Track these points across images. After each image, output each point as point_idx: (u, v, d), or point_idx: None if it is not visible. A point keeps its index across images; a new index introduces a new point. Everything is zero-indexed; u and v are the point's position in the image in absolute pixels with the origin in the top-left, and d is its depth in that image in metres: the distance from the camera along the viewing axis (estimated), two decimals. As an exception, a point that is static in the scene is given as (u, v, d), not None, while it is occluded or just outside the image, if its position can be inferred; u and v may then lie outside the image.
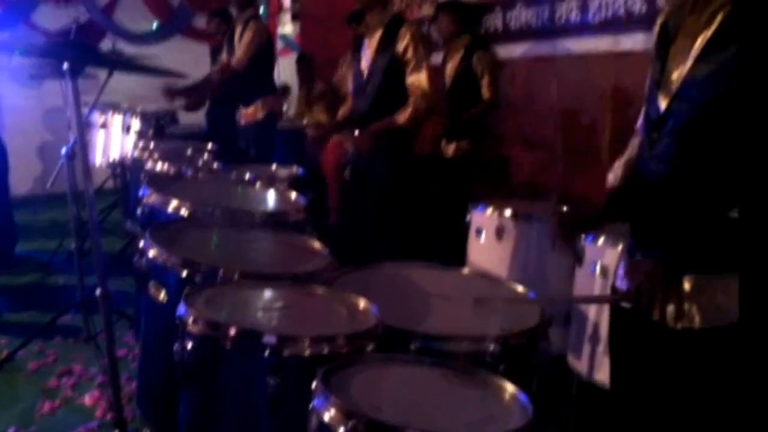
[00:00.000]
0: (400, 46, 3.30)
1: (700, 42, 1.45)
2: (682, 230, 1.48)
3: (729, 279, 1.47)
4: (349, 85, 3.78)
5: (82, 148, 2.32)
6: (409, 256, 2.36)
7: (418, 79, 3.30)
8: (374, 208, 3.42)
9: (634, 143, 1.77)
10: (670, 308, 1.54)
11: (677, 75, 1.49)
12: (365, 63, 3.47)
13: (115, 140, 4.83)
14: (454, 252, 3.11)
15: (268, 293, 1.85)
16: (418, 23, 4.09)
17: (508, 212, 2.87)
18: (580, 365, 2.53)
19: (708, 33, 1.44)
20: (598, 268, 2.39)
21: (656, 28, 1.65)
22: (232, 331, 1.56)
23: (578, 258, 2.50)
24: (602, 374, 2.40)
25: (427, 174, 4.35)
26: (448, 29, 4.46)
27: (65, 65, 2.16)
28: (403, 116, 3.30)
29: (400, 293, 2.06)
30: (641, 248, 1.61)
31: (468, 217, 3.06)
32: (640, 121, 1.77)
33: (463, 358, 1.67)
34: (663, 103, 1.52)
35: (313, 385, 1.40)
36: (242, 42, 4.62)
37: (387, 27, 3.37)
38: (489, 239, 2.89)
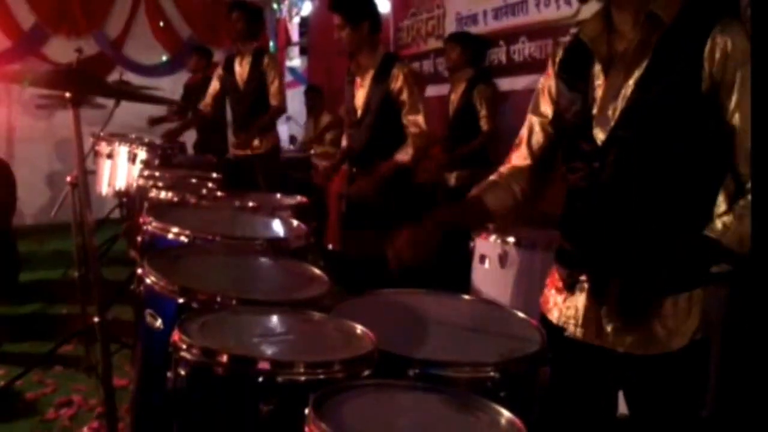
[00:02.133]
0: (394, 85, 3.38)
1: (638, 71, 1.47)
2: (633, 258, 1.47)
3: (681, 299, 1.50)
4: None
5: (83, 176, 2.32)
6: (413, 283, 2.34)
7: (415, 120, 3.39)
8: (373, 240, 3.43)
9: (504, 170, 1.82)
10: (617, 334, 1.55)
11: (618, 104, 1.50)
12: (359, 101, 3.54)
13: (121, 170, 4.86)
14: (458, 279, 3.09)
15: (265, 320, 1.83)
16: (409, 63, 4.12)
17: (511, 240, 2.86)
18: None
19: (645, 61, 1.46)
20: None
21: (554, 68, 1.68)
22: (226, 358, 1.53)
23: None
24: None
25: (431, 202, 4.37)
26: (456, 60, 4.54)
27: (67, 94, 2.18)
28: (405, 155, 3.40)
29: (399, 320, 2.03)
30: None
31: (471, 245, 3.05)
32: (519, 152, 1.79)
33: (462, 385, 1.64)
34: (600, 134, 1.52)
35: (305, 411, 1.37)
36: (273, 81, 4.87)
37: (379, 66, 3.43)
38: (492, 266, 2.88)
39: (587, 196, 1.58)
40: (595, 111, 1.54)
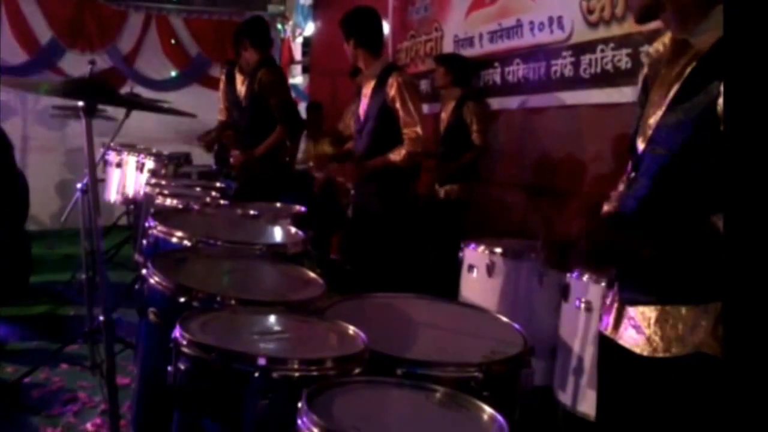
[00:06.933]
0: (389, 94, 3.50)
1: (672, 91, 1.54)
2: (648, 261, 1.55)
3: (689, 309, 1.52)
4: (352, 129, 3.99)
5: (92, 182, 2.41)
6: (405, 290, 2.42)
7: (411, 129, 3.49)
8: (373, 246, 3.53)
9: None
10: (631, 334, 1.59)
11: (652, 121, 1.58)
12: (362, 109, 3.71)
13: (129, 178, 4.97)
14: (448, 287, 3.18)
15: (262, 319, 1.91)
16: (406, 72, 4.20)
17: (498, 250, 2.95)
18: (565, 397, 2.57)
19: (678, 83, 1.53)
20: (582, 303, 2.46)
21: (640, 80, 1.74)
22: (224, 354, 1.62)
23: (564, 293, 2.57)
24: (586, 406, 2.45)
25: (422, 214, 4.46)
26: (441, 81, 4.68)
27: (81, 104, 2.28)
28: (397, 155, 3.48)
29: (389, 322, 2.12)
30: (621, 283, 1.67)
31: (461, 255, 3.14)
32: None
33: (447, 384, 1.70)
34: (641, 147, 1.62)
35: (299, 405, 1.45)
36: (271, 100, 4.71)
37: (379, 76, 3.59)
38: (480, 275, 2.97)
39: (621, 202, 1.69)
40: (640, 126, 1.64)
